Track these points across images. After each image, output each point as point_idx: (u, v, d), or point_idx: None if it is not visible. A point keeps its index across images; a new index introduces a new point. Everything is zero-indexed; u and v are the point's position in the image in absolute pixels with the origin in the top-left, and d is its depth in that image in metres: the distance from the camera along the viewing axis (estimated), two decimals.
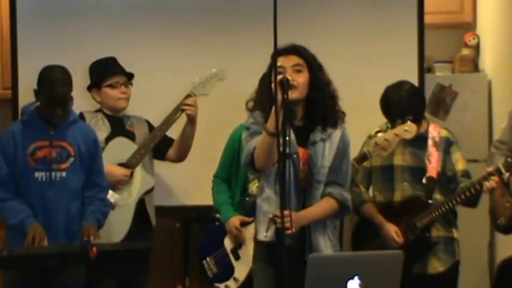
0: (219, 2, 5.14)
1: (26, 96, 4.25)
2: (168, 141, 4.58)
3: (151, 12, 5.10)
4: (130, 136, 4.52)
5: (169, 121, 4.47)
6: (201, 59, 5.00)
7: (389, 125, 4.18)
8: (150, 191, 4.51)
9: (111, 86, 4.50)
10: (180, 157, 4.62)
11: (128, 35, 5.06)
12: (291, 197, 3.44)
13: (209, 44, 5.07)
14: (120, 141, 4.46)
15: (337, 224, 3.80)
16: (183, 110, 4.44)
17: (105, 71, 4.52)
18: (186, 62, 5.02)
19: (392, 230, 4.20)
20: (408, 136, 3.96)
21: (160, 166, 4.71)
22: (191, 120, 4.48)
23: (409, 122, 3.95)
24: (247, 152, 3.54)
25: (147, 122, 4.63)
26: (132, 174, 4.42)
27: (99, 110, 4.56)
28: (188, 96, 4.49)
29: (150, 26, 5.09)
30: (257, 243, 3.63)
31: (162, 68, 5.04)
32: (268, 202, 3.54)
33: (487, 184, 3.99)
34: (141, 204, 4.46)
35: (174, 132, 4.57)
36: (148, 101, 4.88)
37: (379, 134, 3.96)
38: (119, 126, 4.52)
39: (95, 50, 4.68)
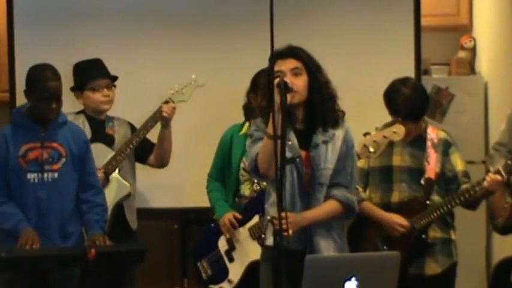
0: (215, 4, 5.15)
1: (24, 98, 4.24)
2: (150, 147, 4.55)
3: (148, 15, 5.11)
4: (110, 140, 4.48)
5: (146, 127, 4.44)
6: (197, 62, 5.02)
7: (378, 128, 4.19)
8: (127, 196, 4.48)
9: (93, 89, 4.47)
10: (160, 162, 4.59)
11: (123, 37, 5.07)
12: (295, 200, 3.46)
13: (205, 47, 5.09)
14: (97, 147, 4.39)
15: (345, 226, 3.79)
16: (161, 113, 4.40)
17: (87, 75, 4.48)
18: (182, 65, 5.02)
19: (394, 217, 4.18)
20: (397, 138, 3.95)
21: (157, 168, 4.71)
22: (165, 124, 4.45)
23: (397, 124, 3.93)
24: (251, 158, 3.52)
25: (130, 124, 4.60)
26: (107, 177, 4.39)
27: (81, 112, 4.53)
28: (166, 103, 4.45)
29: (146, 29, 5.10)
30: (265, 246, 3.61)
31: (157, 71, 5.05)
32: (274, 207, 3.47)
33: (488, 179, 4.00)
34: (119, 210, 4.45)
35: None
36: (141, 104, 4.88)
37: (368, 136, 3.96)
38: (100, 129, 4.49)
39: (91, 53, 4.67)
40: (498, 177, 4.00)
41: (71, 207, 3.97)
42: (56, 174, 3.93)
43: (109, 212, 4.37)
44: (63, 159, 3.95)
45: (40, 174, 3.90)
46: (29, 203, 3.90)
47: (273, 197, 3.54)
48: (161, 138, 4.51)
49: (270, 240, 3.51)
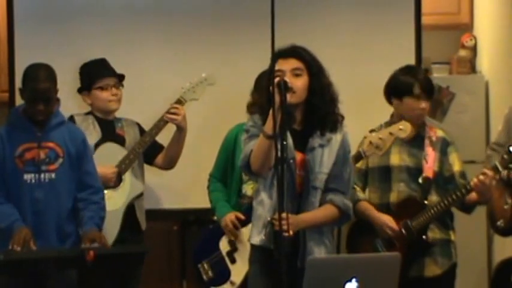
0: (217, 4, 5.14)
1: None
2: (158, 147, 4.55)
3: (149, 14, 5.10)
4: (120, 140, 4.48)
5: (158, 126, 4.44)
6: (199, 61, 5.01)
7: (383, 125, 4.18)
8: (139, 196, 4.47)
9: (101, 88, 4.46)
10: (168, 165, 4.59)
11: (125, 37, 5.06)
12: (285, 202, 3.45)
13: (207, 47, 5.07)
14: (109, 147, 4.41)
15: (335, 231, 3.78)
16: (166, 120, 4.42)
17: (95, 74, 4.47)
18: (184, 64, 5.02)
19: (385, 218, 4.16)
20: (403, 135, 3.94)
21: (157, 169, 4.69)
22: (178, 128, 4.46)
23: (403, 121, 3.94)
24: (244, 154, 3.51)
25: (138, 125, 4.59)
26: (120, 176, 4.38)
27: (89, 113, 4.52)
28: (178, 101, 4.45)
29: (148, 28, 5.09)
30: (252, 246, 3.62)
31: (159, 71, 5.04)
32: (262, 205, 3.52)
33: (475, 180, 3.96)
34: (130, 209, 4.43)
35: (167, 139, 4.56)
36: (143, 104, 4.88)
37: (374, 133, 3.95)
38: (110, 130, 4.48)
39: (91, 53, 4.66)
40: (482, 178, 3.94)
41: (68, 208, 3.95)
42: (53, 175, 3.90)
43: (122, 211, 4.38)
44: (61, 160, 3.92)
45: (37, 175, 3.88)
46: (25, 203, 3.87)
47: (261, 196, 3.54)
48: (172, 141, 4.51)
49: (255, 238, 3.52)
